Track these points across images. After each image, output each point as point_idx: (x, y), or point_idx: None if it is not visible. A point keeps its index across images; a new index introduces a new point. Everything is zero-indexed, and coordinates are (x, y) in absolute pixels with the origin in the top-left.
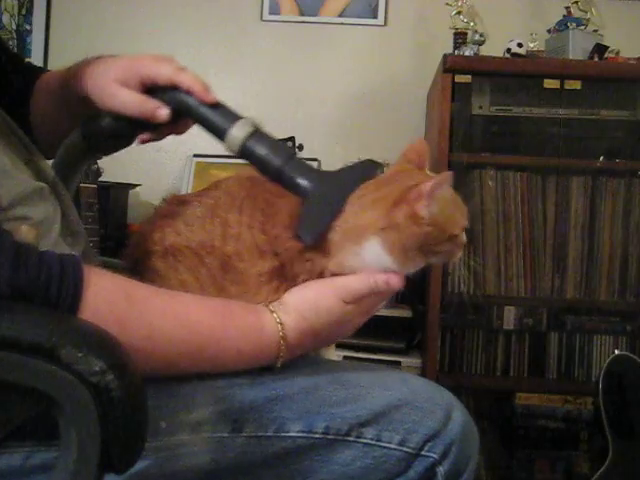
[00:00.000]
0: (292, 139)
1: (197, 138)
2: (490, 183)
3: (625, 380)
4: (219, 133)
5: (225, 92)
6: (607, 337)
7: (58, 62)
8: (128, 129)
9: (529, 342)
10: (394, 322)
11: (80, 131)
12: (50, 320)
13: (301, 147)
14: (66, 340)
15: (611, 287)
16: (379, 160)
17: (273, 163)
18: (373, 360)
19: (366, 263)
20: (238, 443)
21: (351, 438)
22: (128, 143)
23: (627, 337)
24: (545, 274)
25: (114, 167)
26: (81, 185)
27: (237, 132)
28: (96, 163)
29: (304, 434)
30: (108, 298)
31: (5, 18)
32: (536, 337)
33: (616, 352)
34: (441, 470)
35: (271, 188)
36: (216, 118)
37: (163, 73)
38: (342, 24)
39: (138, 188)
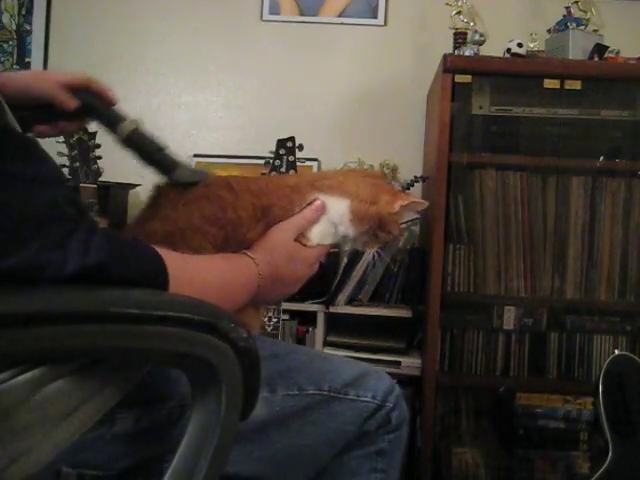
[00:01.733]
0: (292, 139)
1: (197, 138)
2: (490, 183)
3: (625, 380)
4: (113, 127)
5: (225, 92)
6: (607, 337)
7: (58, 62)
8: (25, 128)
9: (529, 342)
10: (394, 322)
11: None
12: (201, 302)
13: (301, 147)
14: (221, 315)
15: (611, 287)
16: (379, 160)
17: (149, 151)
18: (373, 360)
19: (331, 213)
20: (277, 400)
21: (341, 395)
22: None
23: (627, 337)
24: (545, 274)
25: (114, 167)
26: (81, 185)
27: (126, 126)
28: (96, 163)
29: (317, 392)
30: (177, 266)
31: (5, 18)
32: (536, 337)
33: (616, 352)
34: (393, 415)
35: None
36: (111, 115)
37: (80, 77)
38: (342, 24)
39: (138, 188)
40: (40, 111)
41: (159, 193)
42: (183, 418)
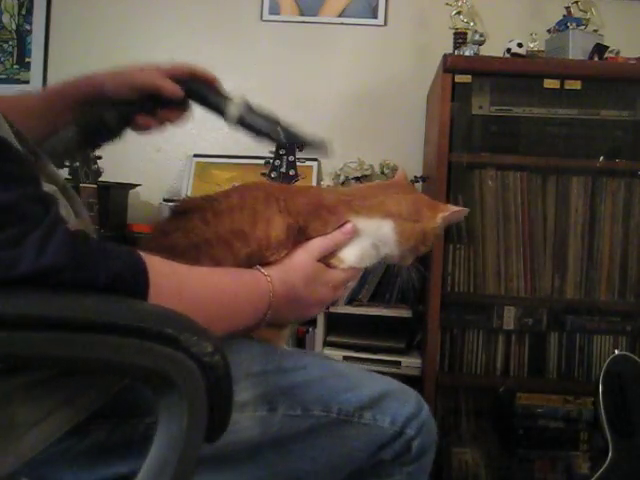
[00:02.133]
0: None
1: (197, 138)
2: (490, 183)
3: (625, 380)
4: (220, 112)
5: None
6: (607, 337)
7: (58, 62)
8: (123, 116)
9: (529, 342)
10: (394, 322)
11: (74, 124)
12: (165, 311)
13: (301, 147)
14: (184, 327)
15: (611, 287)
16: (379, 160)
17: (261, 130)
18: (373, 360)
19: (374, 235)
20: (276, 420)
21: (355, 419)
22: (119, 133)
23: (627, 337)
24: (545, 274)
25: (114, 167)
26: (81, 185)
27: (233, 109)
28: (96, 163)
29: (324, 413)
30: (163, 272)
31: (5, 18)
32: (536, 337)
33: (616, 352)
34: (415, 444)
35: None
36: (218, 100)
37: (182, 66)
38: (342, 24)
39: (138, 188)
40: (140, 104)
41: (186, 205)
42: None
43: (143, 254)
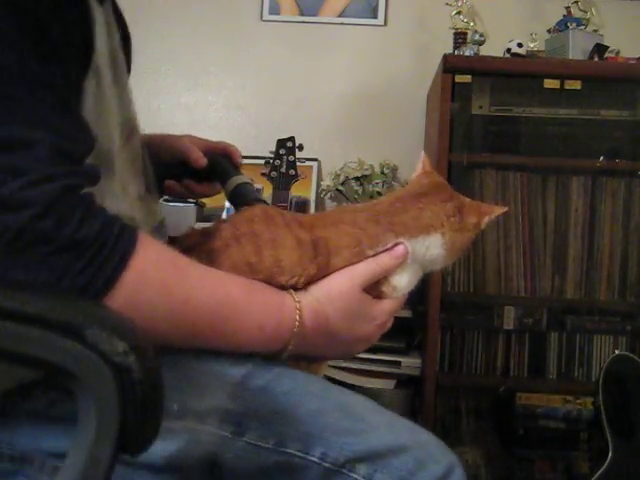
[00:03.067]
0: (292, 139)
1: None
2: (490, 183)
3: (625, 380)
4: (224, 181)
5: (225, 92)
6: (607, 337)
7: None
8: (160, 181)
9: (529, 342)
10: (394, 322)
11: None
12: (78, 302)
13: (301, 147)
14: (92, 321)
15: (611, 287)
16: (379, 160)
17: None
18: (373, 360)
19: (424, 252)
20: (237, 446)
21: (344, 470)
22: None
23: (627, 337)
24: (545, 274)
25: None
26: None
27: (234, 180)
28: None
29: (300, 454)
30: (155, 260)
31: None
32: (536, 337)
33: (616, 352)
34: None
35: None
36: (228, 171)
37: (217, 143)
38: (342, 24)
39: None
40: (174, 168)
41: (183, 241)
42: None
43: (145, 235)
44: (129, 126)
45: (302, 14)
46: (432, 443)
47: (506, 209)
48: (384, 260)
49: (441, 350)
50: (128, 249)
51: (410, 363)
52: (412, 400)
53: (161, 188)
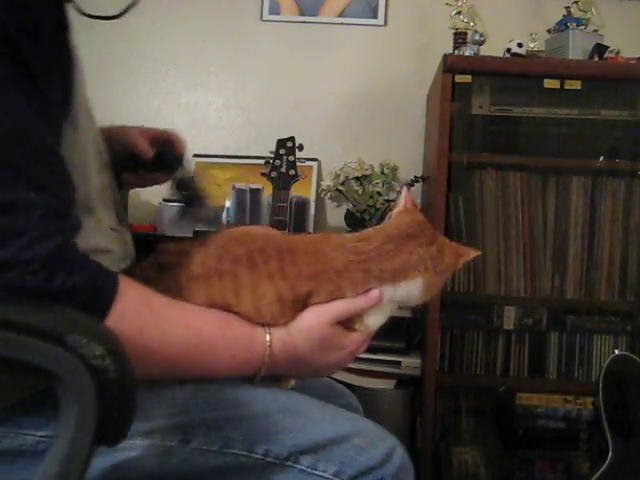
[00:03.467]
0: (292, 139)
1: (197, 138)
2: (490, 183)
3: (625, 380)
4: (172, 172)
5: (225, 92)
6: (607, 337)
7: None
8: (118, 174)
9: (529, 342)
10: (394, 322)
11: None
12: (58, 311)
13: (301, 147)
14: (72, 328)
15: (611, 287)
16: (379, 160)
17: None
18: (373, 360)
19: (400, 297)
20: (183, 452)
21: (288, 463)
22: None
23: (627, 337)
24: (545, 274)
25: None
26: None
27: (180, 172)
28: None
29: (245, 453)
30: (134, 307)
31: None
32: (536, 337)
33: (616, 352)
34: None
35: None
36: (173, 161)
37: (161, 130)
38: (342, 24)
39: (138, 188)
40: (127, 160)
41: (163, 258)
42: None
43: (125, 279)
44: (100, 160)
45: (302, 14)
46: (371, 430)
47: (480, 253)
48: (358, 302)
49: (441, 350)
50: (109, 298)
51: (410, 363)
52: (412, 400)
53: (120, 181)
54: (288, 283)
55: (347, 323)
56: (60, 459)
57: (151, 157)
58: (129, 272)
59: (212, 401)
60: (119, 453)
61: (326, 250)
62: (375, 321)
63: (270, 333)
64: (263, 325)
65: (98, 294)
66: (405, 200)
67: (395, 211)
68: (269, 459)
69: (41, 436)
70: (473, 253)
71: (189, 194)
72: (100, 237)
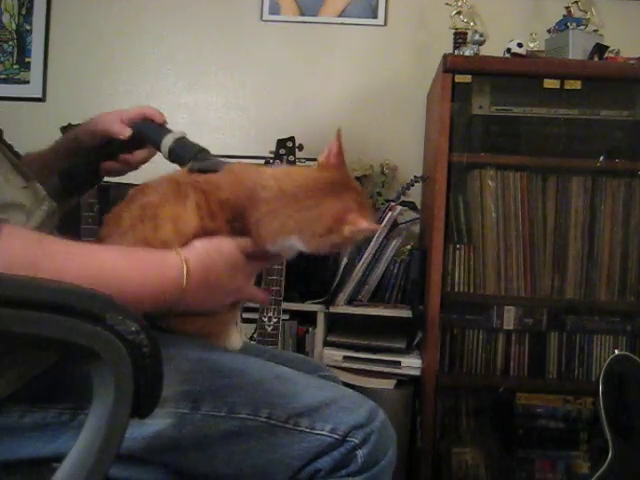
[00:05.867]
0: (292, 139)
1: (196, 138)
2: (490, 183)
3: (625, 380)
4: (157, 146)
5: (225, 92)
6: (607, 337)
7: (58, 62)
8: (89, 162)
9: (529, 342)
10: (394, 322)
11: (57, 174)
12: (92, 292)
13: (301, 147)
14: (108, 307)
15: (611, 287)
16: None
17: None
18: (373, 360)
19: (287, 245)
20: (196, 419)
21: (289, 425)
22: (91, 179)
23: (627, 337)
24: (545, 274)
25: None
26: None
27: (166, 142)
28: None
29: (251, 417)
30: (21, 245)
31: (5, 18)
32: (536, 337)
33: (616, 352)
34: (360, 453)
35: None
36: (155, 134)
37: (135, 109)
38: (342, 24)
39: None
40: (101, 149)
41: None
42: (75, 421)
43: (12, 225)
44: None
45: (302, 14)
46: (353, 394)
47: (372, 227)
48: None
49: (441, 350)
50: None
51: (410, 363)
52: (412, 400)
53: (99, 173)
54: (210, 211)
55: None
56: (100, 432)
57: (129, 136)
58: (52, 212)
59: (215, 369)
60: (141, 424)
61: (246, 183)
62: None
63: (185, 256)
64: (174, 249)
65: None
66: (329, 150)
67: (320, 160)
68: (272, 422)
69: (62, 408)
70: (361, 226)
71: (188, 154)
72: (13, 193)
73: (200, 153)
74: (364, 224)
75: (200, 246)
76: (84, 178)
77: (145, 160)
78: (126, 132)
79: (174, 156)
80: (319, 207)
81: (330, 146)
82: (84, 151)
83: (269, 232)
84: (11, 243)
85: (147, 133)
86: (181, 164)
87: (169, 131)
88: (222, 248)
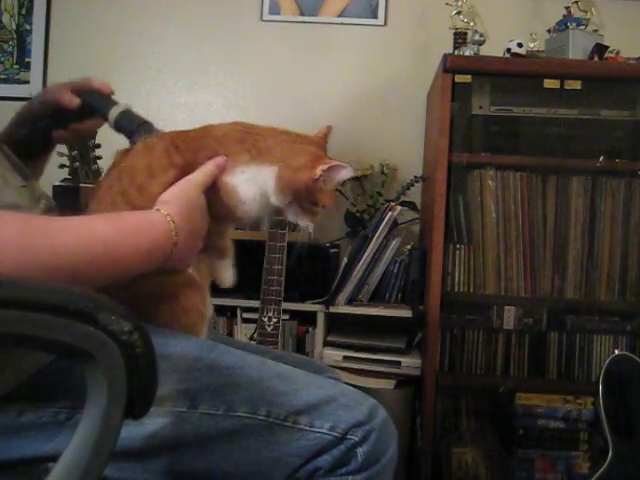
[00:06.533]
0: None
1: None
2: (490, 183)
3: (625, 380)
4: (105, 116)
5: (225, 92)
6: (607, 337)
7: (58, 62)
8: (41, 131)
9: (529, 342)
10: (394, 322)
11: (12, 142)
12: (84, 292)
13: None
14: (102, 307)
15: (611, 287)
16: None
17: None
18: (373, 360)
19: (253, 182)
20: (194, 418)
21: (288, 423)
22: (45, 146)
23: (627, 337)
24: (545, 274)
25: None
26: (81, 185)
27: (113, 112)
28: (96, 163)
29: (249, 415)
30: (17, 227)
31: (5, 18)
32: (536, 337)
33: (616, 352)
34: (360, 451)
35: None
36: (103, 104)
37: (82, 81)
38: (342, 24)
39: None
40: (55, 118)
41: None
42: (72, 420)
43: (2, 210)
44: None
45: (302, 14)
46: (353, 392)
47: (345, 167)
48: (209, 167)
49: (441, 350)
50: None
51: (410, 363)
52: (412, 400)
53: (51, 141)
54: (177, 148)
55: (219, 193)
56: (93, 434)
57: (77, 105)
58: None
59: (212, 368)
60: (139, 423)
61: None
62: (246, 191)
63: (168, 213)
64: (154, 208)
65: None
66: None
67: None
68: (271, 420)
69: (60, 407)
70: (333, 163)
71: (131, 125)
72: (9, 193)
73: (142, 125)
74: (335, 162)
75: (171, 197)
76: (36, 146)
77: (93, 129)
78: (74, 102)
79: (119, 127)
80: (297, 145)
81: (318, 130)
82: (37, 119)
83: (243, 161)
84: (4, 227)
85: (95, 104)
86: (126, 135)
87: (115, 103)
88: (189, 193)
